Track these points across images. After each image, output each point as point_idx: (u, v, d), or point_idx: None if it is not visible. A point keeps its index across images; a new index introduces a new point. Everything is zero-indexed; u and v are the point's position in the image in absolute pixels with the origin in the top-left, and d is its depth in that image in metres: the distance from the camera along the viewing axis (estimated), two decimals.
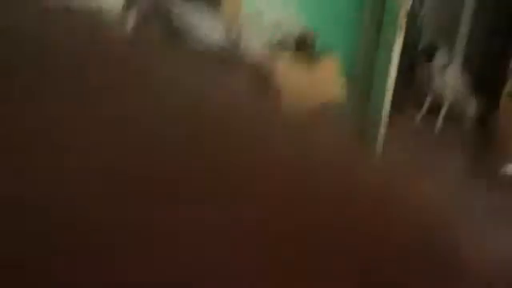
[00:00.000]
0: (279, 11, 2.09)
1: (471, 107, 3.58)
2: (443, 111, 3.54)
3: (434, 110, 3.55)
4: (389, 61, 2.49)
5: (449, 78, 3.50)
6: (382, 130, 2.61)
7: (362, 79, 3.26)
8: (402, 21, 2.41)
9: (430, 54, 3.51)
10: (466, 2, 3.83)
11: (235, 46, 1.67)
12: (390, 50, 2.50)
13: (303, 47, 2.09)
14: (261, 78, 1.93)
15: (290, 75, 1.97)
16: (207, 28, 1.53)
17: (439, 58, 3.49)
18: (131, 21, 1.35)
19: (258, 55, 1.94)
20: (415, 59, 3.87)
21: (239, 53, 1.69)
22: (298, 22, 2.16)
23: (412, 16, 2.55)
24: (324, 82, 2.18)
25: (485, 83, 3.61)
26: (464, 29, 3.91)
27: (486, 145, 2.97)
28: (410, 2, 2.40)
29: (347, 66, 3.02)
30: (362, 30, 3.21)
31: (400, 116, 3.68)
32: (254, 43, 1.93)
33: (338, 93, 2.29)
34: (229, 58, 1.63)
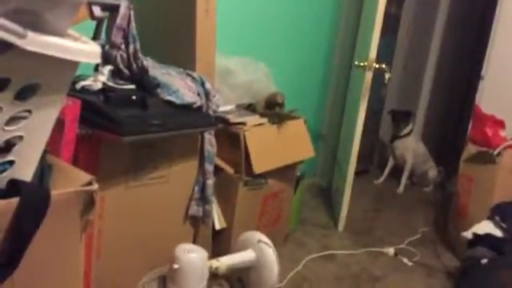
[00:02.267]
0: (250, 72, 2.16)
1: (432, 172, 3.72)
2: (405, 173, 3.66)
3: (400, 173, 3.68)
4: (354, 122, 2.59)
5: (409, 142, 3.65)
6: (349, 188, 2.67)
7: (329, 139, 3.36)
8: (367, 86, 2.53)
9: (396, 118, 3.67)
10: (427, 71, 4.07)
11: (206, 104, 1.70)
12: (355, 112, 2.60)
13: (273, 107, 2.15)
14: (232, 137, 1.97)
15: (259, 134, 2.02)
16: (180, 86, 1.57)
17: (401, 123, 3.65)
18: (104, 77, 1.38)
19: (229, 113, 1.98)
20: (379, 123, 4.04)
21: (211, 111, 1.72)
22: (267, 82, 2.24)
23: (377, 82, 2.68)
24: (293, 141, 2.24)
25: (445, 149, 3.78)
26: (424, 97, 4.14)
27: (446, 208, 3.06)
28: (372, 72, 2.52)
29: (314, 126, 3.12)
30: (329, 93, 3.35)
31: (365, 176, 3.79)
32: (225, 101, 1.98)
33: (306, 152, 2.35)
34: (201, 116, 1.66)
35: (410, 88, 4.13)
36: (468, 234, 2.13)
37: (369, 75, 2.52)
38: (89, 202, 1.01)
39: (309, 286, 2.08)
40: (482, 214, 2.24)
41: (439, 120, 4.29)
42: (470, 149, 2.61)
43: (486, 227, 2.12)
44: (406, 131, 3.63)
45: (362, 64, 2.55)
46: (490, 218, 2.17)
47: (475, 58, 2.92)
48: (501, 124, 2.50)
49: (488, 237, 2.04)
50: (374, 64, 2.51)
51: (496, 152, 2.36)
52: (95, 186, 1.02)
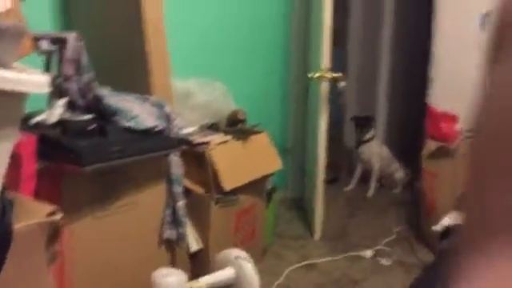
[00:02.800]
0: (208, 92, 2.19)
1: (399, 173, 3.81)
2: (374, 177, 3.73)
3: (368, 177, 3.75)
4: (317, 133, 2.64)
5: (373, 147, 3.74)
6: (320, 197, 2.70)
7: (296, 151, 3.40)
8: (324, 96, 2.59)
9: (359, 124, 3.76)
10: (381, 77, 4.21)
11: (167, 127, 1.71)
12: (317, 122, 2.66)
13: (235, 124, 2.18)
14: (198, 157, 1.97)
15: (225, 151, 2.03)
16: (139, 111, 1.58)
17: (363, 129, 3.74)
18: (60, 110, 1.37)
19: (192, 134, 1.99)
20: (342, 131, 4.12)
21: (173, 134, 1.73)
22: (227, 100, 2.27)
23: (334, 92, 2.75)
24: (258, 155, 2.26)
25: (408, 149, 3.88)
26: (382, 102, 4.26)
27: (416, 206, 3.13)
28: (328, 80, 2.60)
29: (280, 139, 3.16)
30: (290, 106, 3.41)
31: (335, 184, 3.84)
32: (187, 122, 1.99)
33: (273, 164, 2.37)
34: (163, 139, 1.66)
35: (367, 94, 4.25)
36: (438, 227, 2.18)
37: (324, 85, 2.58)
38: (53, 232, 1.00)
39: None
40: (449, 206, 2.31)
41: (400, 122, 4.41)
42: (430, 145, 2.70)
43: (454, 218, 2.18)
44: (369, 136, 3.72)
45: (316, 75, 2.62)
46: (458, 208, 2.23)
47: (427, 60, 3.05)
48: (454, 119, 2.60)
49: (458, 227, 2.10)
50: (328, 74, 2.57)
51: (454, 145, 2.46)
52: (58, 216, 1.01)
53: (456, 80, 2.79)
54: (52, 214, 1.01)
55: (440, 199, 2.58)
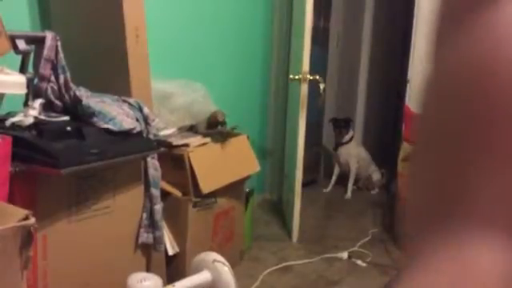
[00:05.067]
0: (189, 92, 2.18)
1: (376, 175, 3.87)
2: (351, 179, 3.77)
3: (346, 179, 3.79)
4: (296, 135, 2.66)
5: (352, 148, 3.78)
6: (298, 199, 2.72)
7: (275, 153, 3.42)
8: (304, 98, 2.61)
9: (337, 125, 3.79)
10: (360, 79, 4.26)
11: (146, 129, 1.70)
12: (296, 124, 2.67)
13: (214, 126, 2.17)
14: (176, 159, 1.96)
15: (203, 153, 2.02)
16: (117, 113, 1.56)
17: (342, 130, 3.78)
18: (35, 111, 1.34)
19: (171, 136, 1.98)
20: (321, 133, 4.15)
21: (151, 135, 1.72)
22: (207, 102, 2.26)
23: (313, 94, 2.77)
24: (237, 157, 2.26)
25: (385, 152, 3.94)
26: (360, 104, 4.31)
27: (392, 208, 3.18)
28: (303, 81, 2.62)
29: (259, 141, 3.17)
30: (269, 107, 3.42)
31: (313, 185, 3.87)
32: (166, 124, 1.97)
33: (252, 167, 2.38)
34: (141, 141, 1.65)
35: (346, 96, 4.30)
36: None
37: (304, 87, 2.60)
38: (27, 237, 0.98)
39: None
40: None
41: (377, 124, 4.48)
42: (406, 148, 2.74)
43: None
44: (347, 138, 3.76)
45: (296, 77, 2.64)
46: None
47: (404, 63, 3.11)
48: None
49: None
50: (308, 76, 2.60)
51: None
52: (32, 220, 0.99)
53: None
54: (25, 218, 0.99)
55: None
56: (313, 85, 2.68)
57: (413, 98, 2.86)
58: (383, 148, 4.14)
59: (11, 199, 1.21)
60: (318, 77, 2.65)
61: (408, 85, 2.89)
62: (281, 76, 3.36)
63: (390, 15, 4.30)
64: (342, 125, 3.77)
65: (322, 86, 2.66)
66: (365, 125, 4.33)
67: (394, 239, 2.83)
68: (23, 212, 1.00)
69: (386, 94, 4.50)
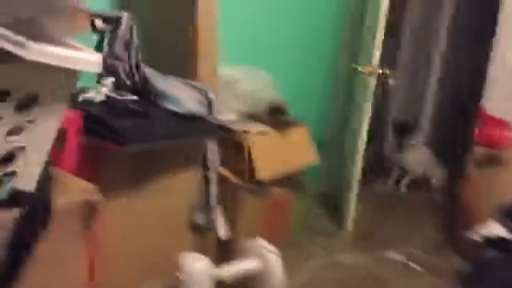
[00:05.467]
0: (253, 80, 2.17)
1: (438, 175, 3.70)
2: (406, 179, 3.65)
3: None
4: (359, 128, 2.59)
5: (417, 154, 3.63)
6: (354, 195, 2.67)
7: (334, 146, 3.35)
8: (370, 93, 2.53)
9: (398, 129, 3.66)
10: (431, 81, 4.07)
11: (209, 113, 1.71)
12: (360, 118, 2.60)
13: (276, 115, 2.16)
14: (235, 145, 1.97)
15: (263, 141, 2.02)
16: (182, 95, 1.58)
17: (407, 135, 3.64)
18: (107, 89, 1.39)
19: (232, 122, 1.99)
20: (384, 133, 4.03)
21: (214, 120, 1.73)
22: (271, 90, 2.24)
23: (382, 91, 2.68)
24: (296, 147, 2.24)
25: (449, 152, 3.76)
26: (429, 103, 4.13)
27: (453, 212, 3.04)
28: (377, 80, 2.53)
29: (318, 133, 3.12)
30: (333, 99, 3.35)
31: (370, 183, 3.77)
32: (229, 110, 1.99)
33: (310, 158, 2.35)
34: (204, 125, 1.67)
35: (413, 93, 4.12)
36: (476, 236, 2.11)
37: (372, 81, 2.51)
38: (92, 212, 1.02)
39: None
40: (489, 216, 2.22)
41: (443, 124, 4.27)
42: (477, 151, 2.60)
43: (494, 229, 2.10)
44: (413, 142, 3.62)
45: (364, 70, 2.55)
46: (498, 219, 2.15)
47: (480, 60, 2.92)
48: (507, 125, 2.49)
49: (498, 239, 2.02)
50: (378, 70, 2.50)
51: (503, 153, 2.37)
52: (98, 196, 1.03)
53: None
54: (92, 193, 1.03)
55: (479, 207, 2.49)
56: (382, 79, 2.58)
57: (490, 100, 2.69)
58: (448, 147, 3.94)
59: (77, 172, 1.26)
60: (387, 71, 2.54)
61: (487, 84, 2.72)
62: (348, 68, 3.26)
63: (470, 11, 4.04)
64: (403, 128, 3.62)
65: (390, 82, 2.57)
66: (432, 124, 4.14)
67: (453, 245, 2.71)
68: (90, 187, 1.05)
69: (457, 91, 4.27)
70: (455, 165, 3.12)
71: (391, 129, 3.71)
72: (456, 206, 2.92)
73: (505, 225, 2.09)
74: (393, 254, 2.53)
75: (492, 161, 2.46)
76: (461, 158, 2.83)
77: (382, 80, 2.62)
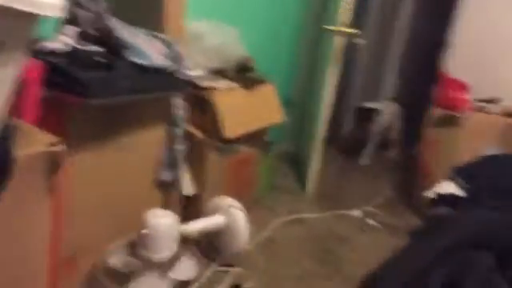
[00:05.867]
0: (220, 34, 2.12)
1: (397, 136, 3.81)
2: (374, 139, 3.73)
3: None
4: (323, 87, 2.61)
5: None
6: (317, 155, 2.71)
7: (298, 105, 3.37)
8: (338, 52, 2.53)
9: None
10: (395, 41, 4.10)
11: (176, 68, 1.67)
12: (324, 77, 2.61)
13: (243, 72, 2.13)
14: (202, 101, 1.95)
15: (230, 99, 2.00)
16: (149, 48, 1.53)
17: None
18: (70, 38, 1.32)
19: (199, 78, 1.95)
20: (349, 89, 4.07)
21: (182, 75, 1.69)
22: (238, 46, 2.21)
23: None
24: (263, 105, 2.24)
25: (411, 113, 3.86)
26: (394, 61, 4.17)
27: (410, 172, 3.16)
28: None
29: (285, 92, 3.12)
30: (299, 58, 3.34)
31: (333, 142, 3.84)
32: (195, 65, 1.94)
33: (276, 117, 2.36)
34: (171, 79, 1.63)
35: (378, 56, 4.16)
36: (430, 194, 2.20)
37: (339, 40, 2.51)
38: (55, 163, 0.99)
39: (276, 248, 2.13)
40: (445, 175, 2.32)
41: (408, 85, 4.35)
42: (436, 112, 2.68)
43: (448, 187, 2.20)
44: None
45: (332, 28, 2.53)
46: (452, 178, 2.25)
47: (442, 23, 2.97)
48: (466, 88, 2.58)
49: (451, 196, 2.12)
50: (345, 29, 2.49)
51: (461, 115, 2.45)
52: (61, 147, 1.00)
53: (477, 46, 2.75)
54: (55, 144, 1.00)
55: (438, 167, 2.59)
56: (350, 38, 2.57)
57: (452, 62, 2.77)
58: (409, 109, 4.04)
59: (41, 125, 1.22)
60: (355, 30, 2.53)
61: (448, 47, 2.78)
62: (315, 26, 3.24)
63: None
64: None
65: (359, 42, 2.57)
66: (398, 82, 4.21)
67: (409, 203, 2.83)
68: (53, 138, 1.01)
69: (421, 53, 4.33)
70: (414, 125, 3.22)
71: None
72: (414, 165, 3.04)
73: (457, 183, 2.19)
74: (352, 212, 2.62)
75: (450, 122, 2.55)
76: (420, 119, 2.91)
77: (350, 40, 2.62)
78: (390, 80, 4.14)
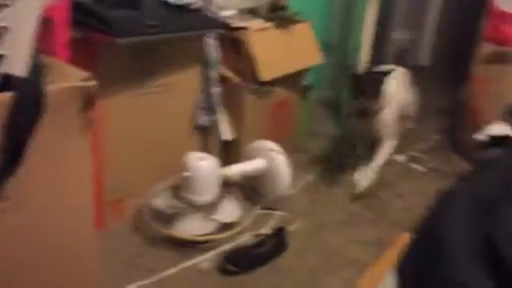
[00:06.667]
0: None
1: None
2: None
3: None
4: (362, 27, 2.47)
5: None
6: None
7: (337, 48, 3.23)
8: None
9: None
10: None
11: (208, 8, 1.60)
12: (362, 16, 2.47)
13: (276, 10, 2.04)
14: (235, 43, 1.88)
15: (264, 39, 1.92)
16: None
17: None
18: None
19: (230, 17, 1.88)
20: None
21: (213, 15, 1.63)
22: None
23: None
24: (299, 46, 2.14)
25: (457, 53, 3.64)
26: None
27: (458, 115, 3.01)
28: None
29: (321, 33, 2.98)
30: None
31: None
32: (226, 5, 1.87)
33: (314, 58, 2.26)
34: (201, 18, 1.57)
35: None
36: (481, 136, 2.08)
37: None
38: (88, 98, 0.96)
39: (320, 192, 2.09)
40: (496, 115, 2.18)
41: (454, 21, 4.09)
42: (486, 48, 2.49)
43: (500, 128, 2.06)
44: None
45: None
46: (504, 119, 2.11)
47: None
48: None
49: (504, 138, 1.99)
50: None
51: None
52: (93, 82, 0.97)
53: None
54: (86, 79, 0.97)
55: (489, 108, 2.44)
56: None
57: None
58: (455, 48, 3.81)
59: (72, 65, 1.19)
60: None
61: None
62: None
63: None
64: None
65: None
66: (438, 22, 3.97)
67: (458, 148, 2.70)
68: (85, 73, 0.98)
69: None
70: (461, 63, 3.02)
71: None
72: (462, 107, 2.88)
73: (510, 123, 2.05)
74: (396, 157, 2.52)
75: (501, 58, 2.37)
76: (467, 56, 2.73)
77: None
78: (434, 12, 3.89)
